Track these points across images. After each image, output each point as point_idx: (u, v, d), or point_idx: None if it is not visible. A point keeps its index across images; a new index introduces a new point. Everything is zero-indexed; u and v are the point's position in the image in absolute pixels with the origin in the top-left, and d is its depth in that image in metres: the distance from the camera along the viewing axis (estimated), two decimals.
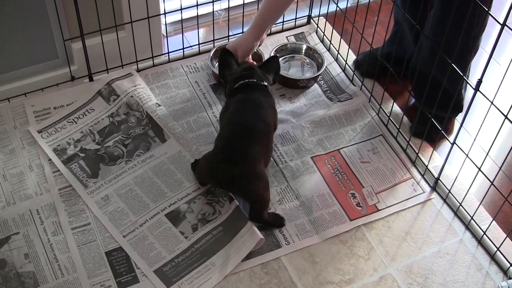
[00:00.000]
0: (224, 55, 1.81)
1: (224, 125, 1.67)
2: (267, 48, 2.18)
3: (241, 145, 1.58)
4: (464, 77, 1.60)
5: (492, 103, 1.48)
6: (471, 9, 1.55)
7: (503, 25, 1.36)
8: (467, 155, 1.65)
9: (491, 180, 1.59)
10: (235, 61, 1.82)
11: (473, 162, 1.63)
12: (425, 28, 1.82)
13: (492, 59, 1.43)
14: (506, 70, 1.45)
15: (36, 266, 1.57)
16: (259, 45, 1.99)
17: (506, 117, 1.45)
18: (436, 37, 1.75)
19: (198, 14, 2.06)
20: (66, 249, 1.61)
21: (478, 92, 1.51)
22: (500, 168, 1.60)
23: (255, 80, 1.72)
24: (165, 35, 2.16)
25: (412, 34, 1.95)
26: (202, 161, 1.69)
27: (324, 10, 2.27)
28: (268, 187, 1.63)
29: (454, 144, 1.69)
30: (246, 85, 1.71)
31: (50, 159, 1.81)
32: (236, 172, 1.55)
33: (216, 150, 1.62)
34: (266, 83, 1.74)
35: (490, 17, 1.45)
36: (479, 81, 1.48)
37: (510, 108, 1.43)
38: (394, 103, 1.98)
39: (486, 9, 1.45)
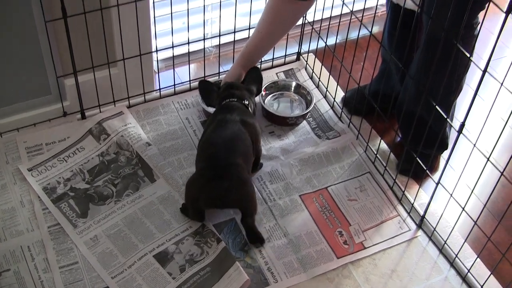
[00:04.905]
0: (201, 86, 1.91)
1: (203, 145, 1.73)
2: None
3: (225, 159, 1.65)
4: (447, 119, 1.64)
5: (474, 145, 1.52)
6: (455, 52, 1.60)
7: (484, 71, 1.40)
8: (451, 195, 1.68)
9: (475, 220, 1.62)
10: (214, 85, 1.91)
11: (457, 202, 1.66)
12: (410, 68, 1.87)
13: (477, 96, 1.47)
14: (489, 112, 1.48)
15: None
16: None
17: (488, 159, 1.49)
18: (421, 77, 1.79)
19: (190, 50, 2.09)
20: (54, 287, 1.62)
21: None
22: (484, 206, 1.63)
23: (235, 100, 1.80)
24: (157, 71, 2.19)
25: (398, 74, 1.99)
26: (189, 187, 1.71)
27: (313, 46, 2.31)
28: (254, 190, 1.72)
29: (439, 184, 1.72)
30: (226, 106, 1.79)
31: (39, 197, 1.82)
32: (226, 184, 1.62)
33: (202, 171, 1.68)
34: (247, 102, 1.82)
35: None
36: (462, 124, 1.52)
37: (492, 150, 1.47)
38: (381, 140, 2.01)
39: (468, 55, 1.49)
